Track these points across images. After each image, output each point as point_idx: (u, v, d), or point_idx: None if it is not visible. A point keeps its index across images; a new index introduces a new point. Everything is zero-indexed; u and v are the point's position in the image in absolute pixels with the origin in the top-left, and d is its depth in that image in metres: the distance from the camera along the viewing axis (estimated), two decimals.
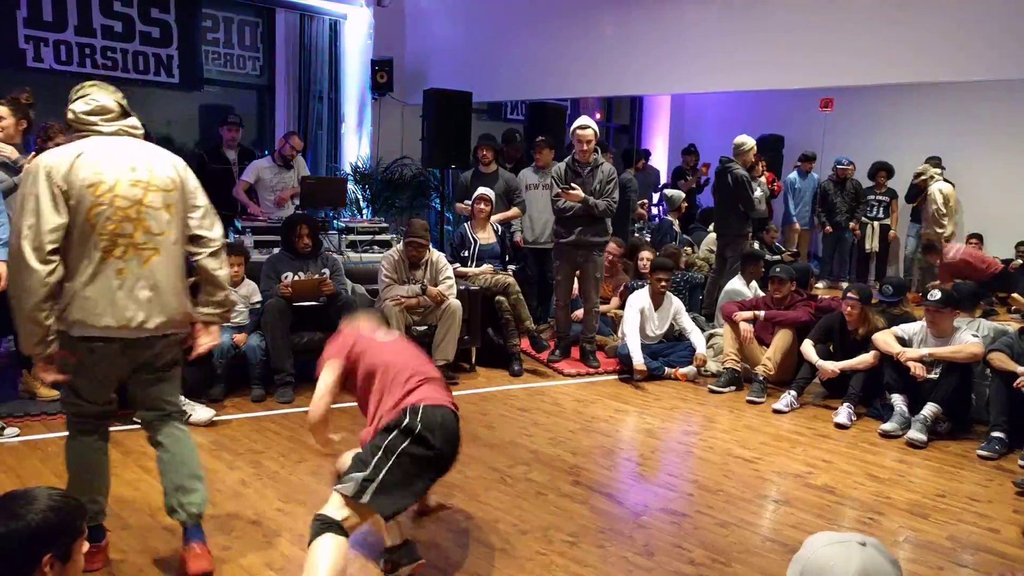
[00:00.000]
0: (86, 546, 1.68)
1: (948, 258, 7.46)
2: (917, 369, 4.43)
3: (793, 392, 4.93)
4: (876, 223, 9.10)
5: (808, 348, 4.97)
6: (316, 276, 4.87)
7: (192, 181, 2.63)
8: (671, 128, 11.75)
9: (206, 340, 2.69)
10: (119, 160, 2.46)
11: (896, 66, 5.82)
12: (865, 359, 4.74)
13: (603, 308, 6.14)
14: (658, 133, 11.81)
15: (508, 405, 4.76)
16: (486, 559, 2.83)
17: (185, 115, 8.08)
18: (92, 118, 2.49)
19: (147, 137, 2.68)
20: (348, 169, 8.51)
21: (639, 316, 5.49)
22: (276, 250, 5.12)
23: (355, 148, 8.81)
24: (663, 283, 5.54)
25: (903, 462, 4.08)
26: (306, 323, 4.82)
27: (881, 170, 9.07)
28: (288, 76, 8.32)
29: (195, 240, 2.61)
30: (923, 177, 8.51)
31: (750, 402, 4.99)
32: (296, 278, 4.83)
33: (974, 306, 5.00)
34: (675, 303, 5.69)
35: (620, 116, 11.87)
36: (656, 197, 9.69)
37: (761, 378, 5.10)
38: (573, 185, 5.34)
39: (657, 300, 5.61)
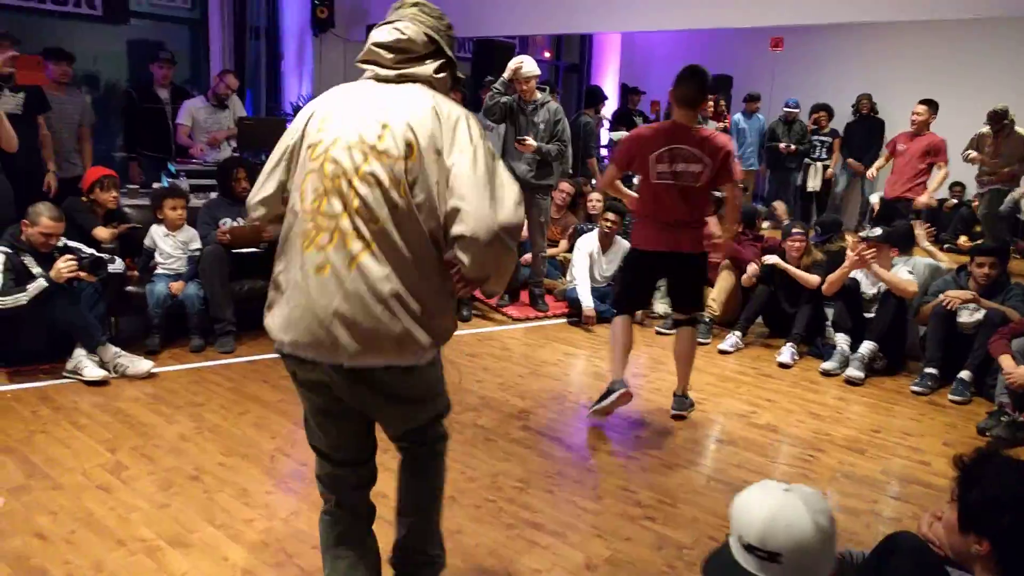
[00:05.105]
0: None
1: None
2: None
3: (738, 332, 5.00)
4: (819, 163, 9.17)
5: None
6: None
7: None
8: (621, 67, 11.58)
9: None
10: (357, 111, 1.80)
11: (845, 4, 5.79)
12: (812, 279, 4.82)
13: (552, 251, 6.09)
14: (609, 72, 11.63)
15: (457, 351, 4.71)
16: None
17: (112, 51, 7.60)
18: (367, 62, 1.88)
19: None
20: (289, 109, 8.19)
21: (588, 260, 5.47)
22: (213, 195, 4.91)
23: (296, 87, 8.45)
24: (613, 226, 5.51)
25: (842, 399, 4.20)
26: (246, 270, 4.65)
27: (822, 110, 9.08)
28: (222, 10, 7.86)
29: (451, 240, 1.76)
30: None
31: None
32: (234, 224, 4.65)
33: (910, 246, 5.14)
34: (624, 245, 5.67)
35: (570, 55, 11.64)
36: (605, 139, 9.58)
37: (707, 319, 5.16)
38: (527, 138, 5.20)
39: (606, 243, 5.58)
